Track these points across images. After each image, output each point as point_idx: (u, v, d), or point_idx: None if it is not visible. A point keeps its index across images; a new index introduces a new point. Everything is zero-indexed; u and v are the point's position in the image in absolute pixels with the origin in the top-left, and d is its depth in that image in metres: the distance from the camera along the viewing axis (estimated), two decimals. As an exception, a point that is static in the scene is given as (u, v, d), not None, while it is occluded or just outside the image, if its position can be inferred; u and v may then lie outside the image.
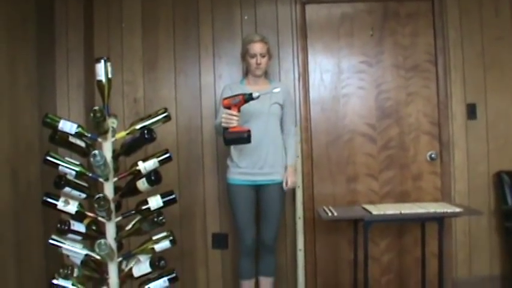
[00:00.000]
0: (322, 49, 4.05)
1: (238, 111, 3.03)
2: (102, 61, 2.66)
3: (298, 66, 4.00)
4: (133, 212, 2.83)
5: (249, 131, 3.02)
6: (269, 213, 3.43)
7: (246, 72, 3.61)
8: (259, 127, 3.33)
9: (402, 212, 3.29)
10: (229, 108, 3.03)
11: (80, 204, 2.73)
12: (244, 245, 3.40)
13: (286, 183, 3.44)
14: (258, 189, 3.42)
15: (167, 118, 2.85)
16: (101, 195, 2.64)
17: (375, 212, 3.30)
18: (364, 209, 3.47)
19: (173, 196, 2.84)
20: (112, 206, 2.74)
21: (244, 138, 3.00)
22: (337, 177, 4.02)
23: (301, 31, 4.01)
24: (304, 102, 3.99)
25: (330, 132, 4.03)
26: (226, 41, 4.00)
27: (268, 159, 3.38)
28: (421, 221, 3.68)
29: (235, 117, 3.01)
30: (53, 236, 2.68)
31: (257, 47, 3.41)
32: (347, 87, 4.04)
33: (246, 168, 3.36)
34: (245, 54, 3.46)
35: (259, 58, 3.42)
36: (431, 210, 3.29)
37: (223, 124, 3.04)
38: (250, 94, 2.97)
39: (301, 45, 4.01)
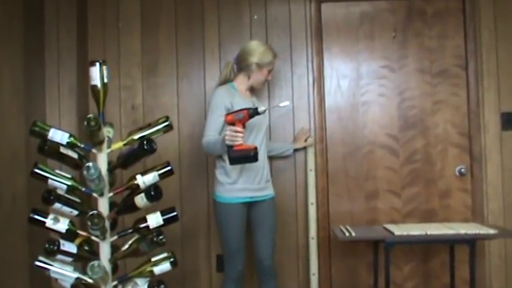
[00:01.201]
0: (339, 52, 4.05)
1: (243, 127, 2.98)
2: (97, 64, 2.67)
3: (313, 71, 4.00)
4: (130, 230, 2.83)
5: (255, 149, 2.96)
6: (265, 230, 3.42)
7: (227, 78, 3.48)
8: (259, 140, 3.38)
9: (428, 232, 3.26)
10: (233, 124, 2.96)
11: (71, 222, 2.72)
12: (235, 271, 3.33)
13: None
14: (250, 206, 3.40)
15: (169, 127, 2.87)
16: (94, 212, 2.63)
17: (397, 233, 3.27)
18: (386, 229, 3.46)
19: (175, 213, 2.84)
20: (107, 223, 2.73)
21: (250, 156, 2.94)
22: (355, 194, 4.02)
23: (316, 32, 4.01)
24: (319, 111, 3.99)
25: (348, 144, 4.03)
26: (234, 44, 3.97)
27: (264, 173, 3.42)
28: (450, 243, 3.66)
29: (240, 134, 2.95)
30: (40, 257, 2.67)
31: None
32: (366, 94, 4.04)
33: (245, 184, 3.32)
34: (264, 67, 3.40)
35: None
36: (462, 231, 3.26)
37: (227, 142, 2.97)
38: (256, 109, 2.93)
39: (316, 48, 4.00)
